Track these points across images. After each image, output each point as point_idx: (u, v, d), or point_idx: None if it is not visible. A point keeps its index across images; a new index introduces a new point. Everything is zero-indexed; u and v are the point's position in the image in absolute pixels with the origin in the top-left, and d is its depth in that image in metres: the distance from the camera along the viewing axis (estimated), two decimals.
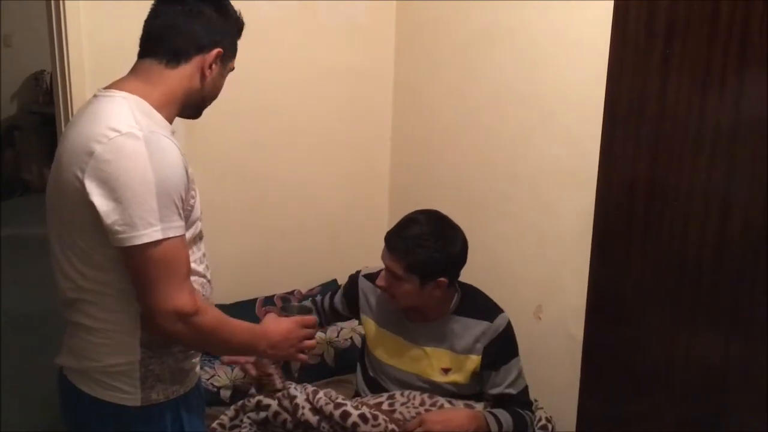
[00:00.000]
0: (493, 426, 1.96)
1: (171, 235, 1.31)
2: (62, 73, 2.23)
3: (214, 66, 1.47)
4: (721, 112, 1.81)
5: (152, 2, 1.48)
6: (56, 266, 1.43)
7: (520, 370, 2.08)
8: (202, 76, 1.46)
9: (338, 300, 2.28)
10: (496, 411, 2.01)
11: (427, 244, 1.95)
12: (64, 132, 1.42)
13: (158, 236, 1.29)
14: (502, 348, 2.05)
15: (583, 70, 2.16)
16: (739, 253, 1.81)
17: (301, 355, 1.64)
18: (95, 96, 1.42)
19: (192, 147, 2.43)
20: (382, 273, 2.03)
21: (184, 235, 1.35)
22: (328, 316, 2.32)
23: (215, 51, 1.46)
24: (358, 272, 2.26)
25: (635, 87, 1.99)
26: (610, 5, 2.01)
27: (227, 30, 1.49)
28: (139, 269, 1.31)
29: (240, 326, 1.51)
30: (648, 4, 1.93)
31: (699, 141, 1.86)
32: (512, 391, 2.05)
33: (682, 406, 1.98)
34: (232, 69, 1.56)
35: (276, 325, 1.59)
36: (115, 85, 1.42)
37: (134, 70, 1.46)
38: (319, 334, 2.63)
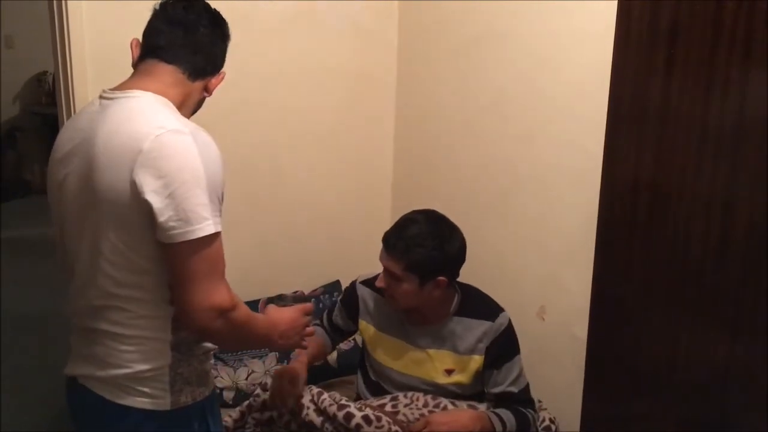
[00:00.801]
0: (498, 426, 1.96)
1: (219, 230, 1.33)
2: (65, 74, 2.23)
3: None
4: (724, 112, 1.81)
5: (171, 8, 1.48)
6: (76, 276, 1.42)
7: (522, 369, 2.08)
8: (207, 92, 1.53)
9: (336, 314, 2.26)
10: (499, 411, 2.01)
11: (426, 243, 1.95)
12: (83, 134, 1.39)
13: (211, 230, 1.30)
14: (504, 346, 2.06)
15: (586, 71, 2.16)
16: (743, 253, 1.81)
17: (304, 343, 1.67)
18: (109, 98, 1.39)
19: None
20: (381, 274, 2.03)
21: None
22: (333, 337, 2.29)
23: (222, 74, 1.53)
24: (354, 281, 2.25)
25: (639, 87, 1.99)
26: (614, 6, 2.01)
27: (225, 54, 1.56)
28: (185, 265, 1.31)
29: (260, 319, 1.55)
30: (651, 5, 1.92)
31: (703, 142, 1.85)
32: (514, 389, 2.05)
33: (685, 406, 1.97)
34: None
35: (280, 314, 1.60)
36: (133, 85, 1.41)
37: (149, 72, 1.45)
38: None
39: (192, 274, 1.31)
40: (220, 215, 1.35)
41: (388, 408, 2.02)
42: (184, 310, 1.34)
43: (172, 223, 1.28)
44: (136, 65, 1.49)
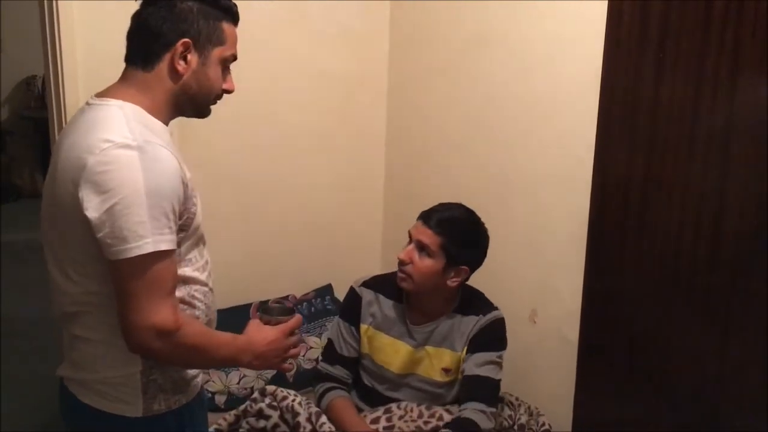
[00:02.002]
0: None
1: (162, 249, 1.28)
2: (55, 77, 2.22)
3: (190, 57, 1.40)
4: (714, 113, 1.82)
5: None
6: (52, 281, 1.41)
7: (497, 364, 2.07)
8: (175, 72, 1.40)
9: (342, 346, 2.17)
10: None
11: (465, 230, 2.05)
12: (58, 141, 1.40)
13: (149, 249, 1.26)
14: (487, 338, 2.07)
15: (576, 73, 2.17)
16: (734, 254, 1.82)
17: (287, 365, 1.57)
18: (88, 104, 1.39)
19: (185, 151, 2.39)
20: (408, 247, 2.04)
21: (174, 249, 1.32)
22: (352, 375, 2.21)
23: (179, 42, 1.38)
24: (351, 287, 2.23)
25: (629, 89, 2.00)
26: (604, 8, 2.02)
27: (199, 16, 1.40)
28: (124, 283, 1.28)
29: (223, 340, 1.46)
30: (641, 8, 1.93)
31: (693, 143, 1.86)
32: (480, 373, 2.03)
33: (678, 408, 1.98)
34: (231, 57, 1.48)
35: (260, 334, 1.50)
36: (108, 93, 1.40)
37: (122, 77, 1.43)
38: (314, 339, 2.63)
39: (130, 292, 1.28)
40: (173, 233, 1.31)
41: (382, 422, 2.02)
42: (123, 327, 1.31)
43: (108, 240, 1.25)
44: None
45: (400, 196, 2.98)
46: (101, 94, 1.40)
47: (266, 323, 1.54)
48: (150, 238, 1.26)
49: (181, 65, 1.39)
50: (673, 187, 1.92)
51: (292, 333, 1.55)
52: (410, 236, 2.06)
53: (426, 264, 2.01)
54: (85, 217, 1.26)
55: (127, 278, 1.27)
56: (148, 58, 1.39)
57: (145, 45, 1.40)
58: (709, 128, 1.83)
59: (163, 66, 1.40)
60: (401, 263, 2.04)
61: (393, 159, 3.01)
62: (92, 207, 1.25)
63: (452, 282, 2.04)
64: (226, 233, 2.64)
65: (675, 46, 1.87)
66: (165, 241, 1.28)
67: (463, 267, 2.04)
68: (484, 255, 2.09)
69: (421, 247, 2.02)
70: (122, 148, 1.26)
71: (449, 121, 2.70)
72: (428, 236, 2.01)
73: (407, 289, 2.07)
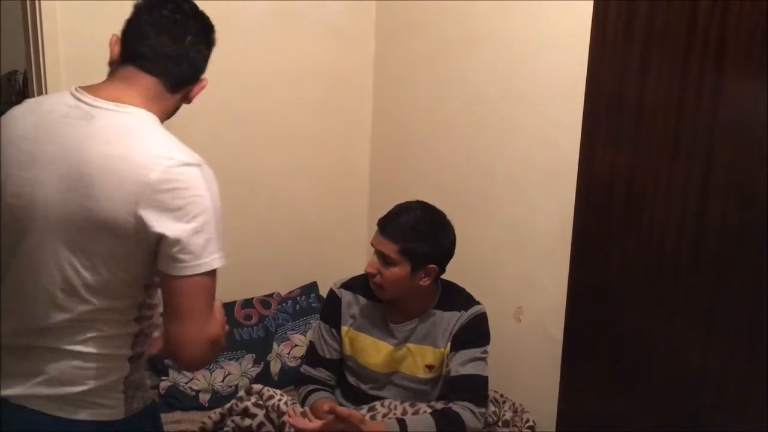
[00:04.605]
0: (393, 427, 1.92)
1: (224, 263, 1.32)
2: (38, 74, 2.20)
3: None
4: (698, 112, 1.83)
5: (158, 9, 1.37)
6: (29, 294, 1.32)
7: (483, 360, 2.06)
8: (187, 98, 1.46)
9: (324, 348, 2.16)
10: (412, 417, 1.97)
11: (422, 229, 2.00)
12: (59, 142, 1.28)
13: (217, 264, 1.30)
14: (469, 334, 2.06)
15: (562, 71, 2.17)
16: (717, 251, 1.83)
17: None
18: (94, 107, 1.30)
19: None
20: (372, 260, 2.03)
21: None
22: (335, 378, 2.20)
23: (204, 81, 1.46)
24: (331, 289, 2.23)
25: (614, 88, 2.01)
26: (590, 8, 2.03)
27: (208, 61, 1.47)
28: (187, 298, 1.28)
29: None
30: (627, 7, 1.94)
31: (677, 141, 1.88)
32: (464, 371, 2.02)
33: (662, 406, 1.99)
34: None
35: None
36: (117, 96, 1.32)
37: (130, 81, 1.35)
38: (299, 336, 2.62)
39: (192, 307, 1.29)
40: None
41: None
42: (176, 344, 1.30)
43: (182, 256, 1.26)
44: (115, 69, 1.38)
45: (386, 194, 2.97)
46: (103, 94, 1.32)
47: None
48: (218, 254, 1.31)
49: (191, 99, 1.47)
50: (658, 185, 1.93)
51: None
52: (373, 246, 2.05)
53: (392, 272, 2.00)
54: (151, 234, 1.24)
55: (191, 294, 1.28)
56: (179, 85, 1.41)
57: (183, 73, 1.41)
58: (694, 127, 1.84)
59: (183, 92, 1.43)
60: (370, 275, 2.05)
61: (378, 156, 3.01)
62: (164, 225, 1.25)
63: (423, 282, 2.03)
64: None
65: (660, 45, 1.88)
66: (224, 256, 1.34)
67: (430, 266, 2.02)
68: (450, 248, 2.07)
69: (383, 257, 2.01)
70: (187, 166, 1.29)
71: (434, 118, 2.70)
72: (386, 246, 2.00)
73: (385, 298, 2.08)
